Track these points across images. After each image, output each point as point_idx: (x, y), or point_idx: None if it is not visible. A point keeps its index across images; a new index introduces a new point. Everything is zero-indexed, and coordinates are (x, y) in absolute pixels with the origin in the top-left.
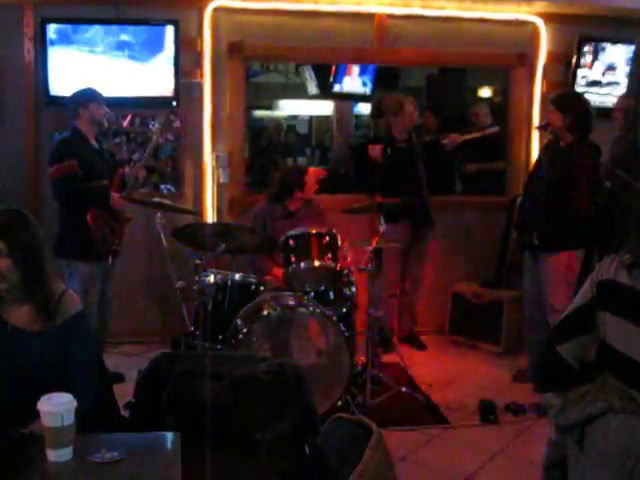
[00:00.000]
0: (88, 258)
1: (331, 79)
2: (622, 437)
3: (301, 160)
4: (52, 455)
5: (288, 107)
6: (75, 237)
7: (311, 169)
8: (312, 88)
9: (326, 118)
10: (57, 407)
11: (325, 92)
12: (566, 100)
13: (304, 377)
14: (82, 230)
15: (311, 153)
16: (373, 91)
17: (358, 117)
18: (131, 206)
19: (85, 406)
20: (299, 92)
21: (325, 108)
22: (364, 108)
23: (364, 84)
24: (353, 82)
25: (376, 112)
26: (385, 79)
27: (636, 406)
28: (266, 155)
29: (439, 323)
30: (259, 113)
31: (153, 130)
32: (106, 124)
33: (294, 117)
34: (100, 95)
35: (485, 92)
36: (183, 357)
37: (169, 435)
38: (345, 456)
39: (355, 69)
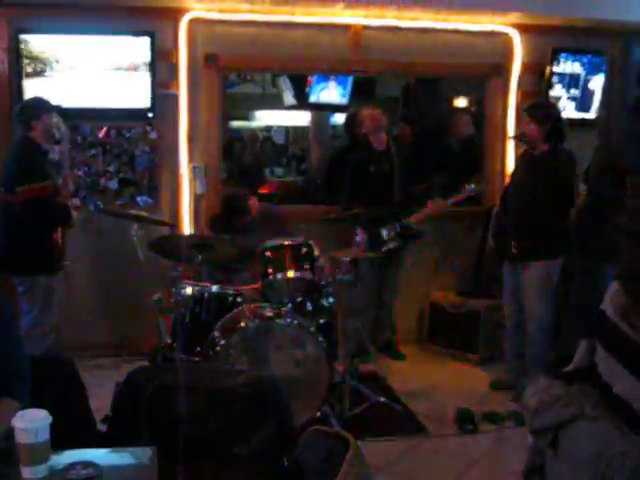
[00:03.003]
0: (50, 272)
1: (307, 89)
2: (595, 443)
3: (277, 170)
4: (27, 472)
5: (265, 118)
6: (38, 252)
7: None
8: (289, 98)
9: (303, 128)
10: (31, 423)
11: (302, 102)
12: (540, 110)
13: (281, 390)
14: (44, 245)
15: (287, 163)
16: (350, 101)
17: (335, 127)
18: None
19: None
20: (276, 103)
21: (302, 118)
22: (342, 118)
23: (341, 94)
24: (330, 92)
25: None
26: (362, 89)
27: (608, 413)
28: (240, 167)
29: (418, 333)
30: (236, 124)
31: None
32: (57, 135)
33: (270, 128)
34: (51, 105)
35: (461, 102)
36: (159, 370)
37: (146, 450)
38: (323, 469)
39: (332, 79)
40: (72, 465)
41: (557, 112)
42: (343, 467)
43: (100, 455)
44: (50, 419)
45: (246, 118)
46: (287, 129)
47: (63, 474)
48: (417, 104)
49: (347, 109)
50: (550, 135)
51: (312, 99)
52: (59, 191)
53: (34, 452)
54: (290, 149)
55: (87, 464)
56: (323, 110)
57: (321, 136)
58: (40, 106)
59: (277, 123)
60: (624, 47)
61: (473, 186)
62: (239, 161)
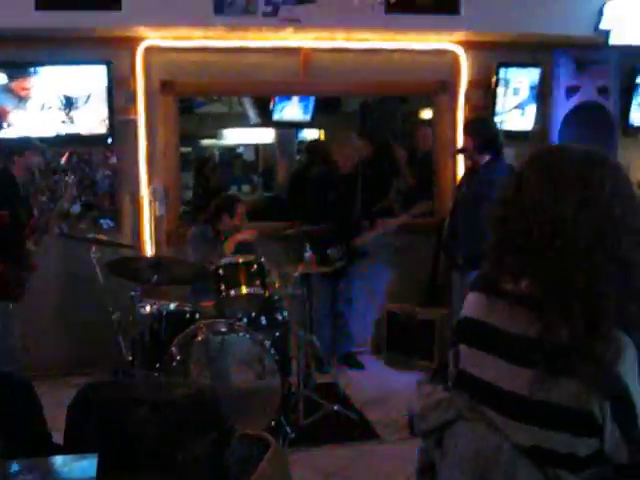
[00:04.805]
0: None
1: (271, 108)
2: (473, 440)
3: (245, 188)
4: None
5: (232, 136)
6: None
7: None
8: (254, 117)
9: (270, 145)
10: None
11: (266, 120)
12: (473, 125)
13: (220, 399)
14: None
15: (257, 180)
16: (313, 117)
17: (301, 143)
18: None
19: None
20: (243, 121)
21: (268, 136)
22: (308, 134)
23: (303, 112)
24: (293, 110)
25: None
26: (325, 105)
27: (482, 416)
28: (206, 186)
29: (376, 342)
30: (206, 142)
31: (69, 182)
32: (37, 174)
33: (239, 145)
34: (37, 144)
35: (427, 114)
36: (108, 386)
37: (89, 457)
38: (244, 468)
39: (295, 97)
40: (19, 471)
41: (489, 126)
42: (260, 465)
43: (45, 462)
44: None
45: (214, 137)
46: (256, 146)
47: (11, 478)
48: (375, 120)
49: (311, 125)
50: (483, 147)
51: (275, 117)
52: (22, 226)
53: None
54: (260, 166)
55: (31, 470)
56: (287, 127)
57: (287, 152)
58: (23, 144)
59: (245, 141)
60: (553, 58)
61: (417, 211)
62: (207, 180)
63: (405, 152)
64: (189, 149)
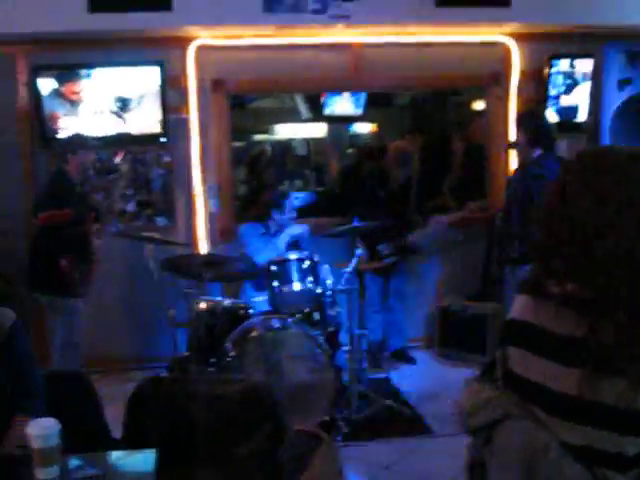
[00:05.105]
0: (66, 295)
1: (322, 102)
2: (522, 437)
3: (297, 183)
4: (40, 473)
5: (284, 131)
6: (49, 275)
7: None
8: (305, 112)
9: (322, 140)
10: (43, 430)
11: (317, 115)
12: (523, 118)
13: (276, 396)
14: (53, 269)
15: (307, 175)
16: (365, 111)
17: (353, 137)
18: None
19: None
20: (294, 116)
21: (321, 130)
22: (361, 128)
23: (355, 105)
24: (344, 104)
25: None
26: (377, 98)
27: (530, 413)
28: (259, 181)
29: (428, 337)
30: (258, 137)
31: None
32: (92, 172)
33: (292, 140)
34: (90, 142)
35: (480, 105)
36: (165, 381)
37: (147, 452)
38: (298, 463)
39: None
40: (80, 466)
41: (539, 118)
42: (313, 460)
43: (106, 457)
44: (59, 426)
45: (266, 132)
46: (307, 141)
47: (71, 475)
48: (427, 113)
49: (362, 119)
50: (534, 142)
51: (327, 112)
52: (84, 221)
53: (46, 455)
54: (312, 160)
55: (93, 465)
56: (339, 122)
57: (338, 147)
58: (76, 142)
59: (296, 136)
60: (603, 52)
61: (471, 209)
62: (259, 175)
63: (462, 144)
64: (242, 143)
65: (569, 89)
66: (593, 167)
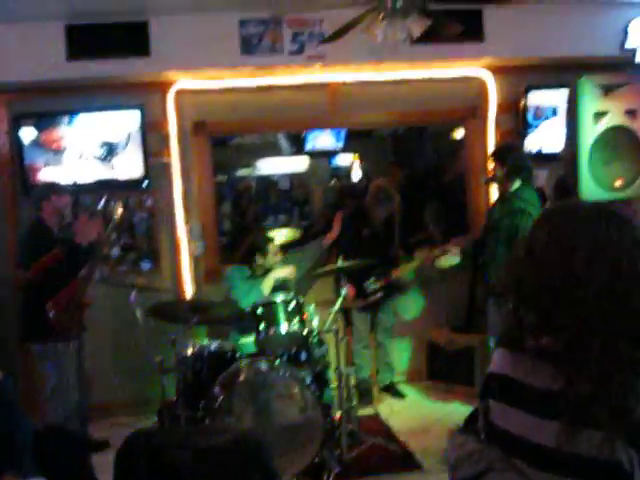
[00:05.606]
0: (57, 340)
1: (302, 137)
2: None
3: (281, 218)
4: None
5: (267, 166)
6: (37, 321)
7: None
8: (286, 147)
9: (305, 174)
10: None
11: (298, 150)
12: (500, 151)
13: (263, 445)
14: (40, 315)
15: (291, 208)
16: (345, 144)
17: (335, 169)
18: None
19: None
20: (276, 151)
21: (302, 164)
22: (342, 160)
23: (335, 140)
24: (325, 139)
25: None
26: (358, 130)
27: (512, 465)
28: (243, 219)
29: (417, 371)
30: (241, 172)
31: (113, 207)
32: (67, 213)
33: (273, 175)
34: (61, 186)
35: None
36: (154, 432)
37: None
38: None
39: None
40: None
41: (517, 152)
42: None
43: None
44: None
45: (249, 166)
46: (290, 175)
47: None
48: (406, 147)
49: (344, 150)
50: (513, 174)
51: (308, 147)
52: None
53: None
54: (295, 194)
55: None
56: (320, 156)
57: (321, 180)
58: (47, 188)
59: (278, 171)
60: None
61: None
62: (244, 212)
63: (444, 176)
64: (224, 177)
65: (545, 120)
66: (560, 224)
